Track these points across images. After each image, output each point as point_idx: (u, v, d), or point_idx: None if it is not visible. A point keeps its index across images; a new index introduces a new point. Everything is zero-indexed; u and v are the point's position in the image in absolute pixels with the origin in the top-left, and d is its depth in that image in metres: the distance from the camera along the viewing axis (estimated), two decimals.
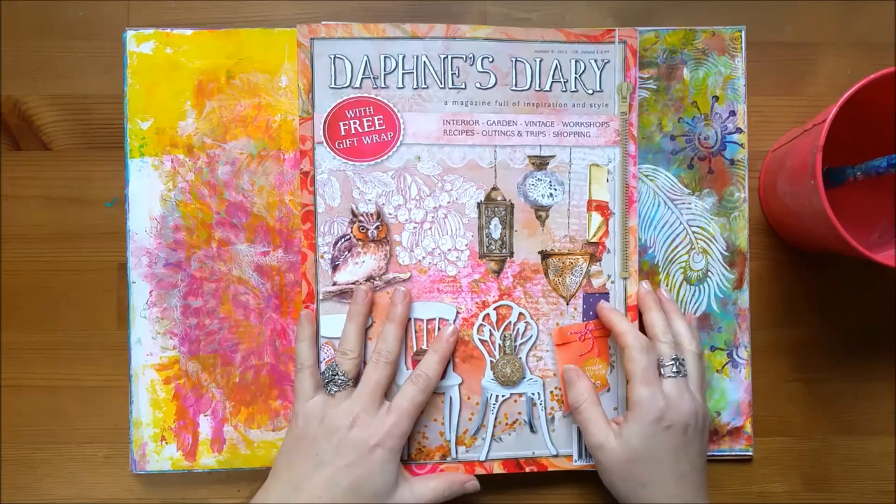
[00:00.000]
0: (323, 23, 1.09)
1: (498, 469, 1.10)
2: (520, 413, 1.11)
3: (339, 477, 0.98)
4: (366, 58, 1.09)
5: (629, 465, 0.99)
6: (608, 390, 1.11)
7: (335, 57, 1.09)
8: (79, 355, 1.14)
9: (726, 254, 1.14)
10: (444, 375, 1.09)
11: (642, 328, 1.08)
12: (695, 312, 1.14)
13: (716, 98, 1.13)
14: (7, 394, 1.14)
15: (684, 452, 0.99)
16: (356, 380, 1.04)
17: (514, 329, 1.11)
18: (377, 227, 1.09)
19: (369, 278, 1.09)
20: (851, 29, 1.16)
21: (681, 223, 1.13)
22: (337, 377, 1.03)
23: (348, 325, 1.07)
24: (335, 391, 1.02)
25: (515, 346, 1.11)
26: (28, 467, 1.14)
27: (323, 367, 1.07)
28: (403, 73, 1.10)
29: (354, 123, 1.09)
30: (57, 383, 1.14)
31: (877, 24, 1.16)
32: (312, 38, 1.09)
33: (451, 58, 1.10)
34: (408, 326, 1.10)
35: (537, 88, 1.10)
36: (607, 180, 1.11)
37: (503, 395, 1.11)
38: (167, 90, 1.11)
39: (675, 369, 1.01)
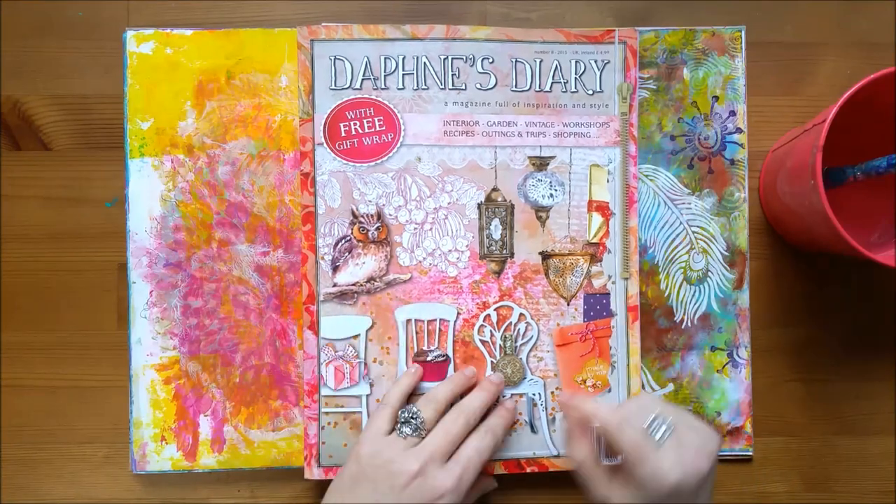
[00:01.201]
0: (323, 24, 1.09)
1: (499, 469, 1.11)
2: (521, 413, 1.11)
3: None
4: (366, 59, 1.09)
5: None
6: (609, 391, 1.11)
7: (335, 58, 1.09)
8: (79, 355, 1.14)
9: (726, 254, 1.14)
10: (445, 376, 1.10)
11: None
12: (695, 312, 1.14)
13: (716, 98, 1.13)
14: (7, 394, 1.14)
15: (697, 499, 0.93)
16: (427, 431, 1.02)
17: (514, 330, 1.11)
18: (377, 229, 1.10)
19: (370, 279, 1.09)
20: (851, 29, 1.16)
21: (681, 223, 1.13)
22: (414, 421, 1.01)
23: (447, 385, 1.06)
24: (407, 434, 1.00)
25: (516, 347, 1.11)
26: (28, 467, 1.14)
27: (403, 409, 1.04)
28: (404, 74, 1.10)
29: (355, 124, 1.09)
30: (57, 383, 1.14)
31: (877, 24, 1.16)
32: (313, 40, 1.09)
33: (452, 59, 1.10)
34: (408, 327, 1.10)
35: (537, 89, 1.10)
36: (608, 181, 1.11)
37: (504, 396, 1.11)
38: (167, 90, 1.12)
39: (662, 427, 0.93)
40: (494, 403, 1.09)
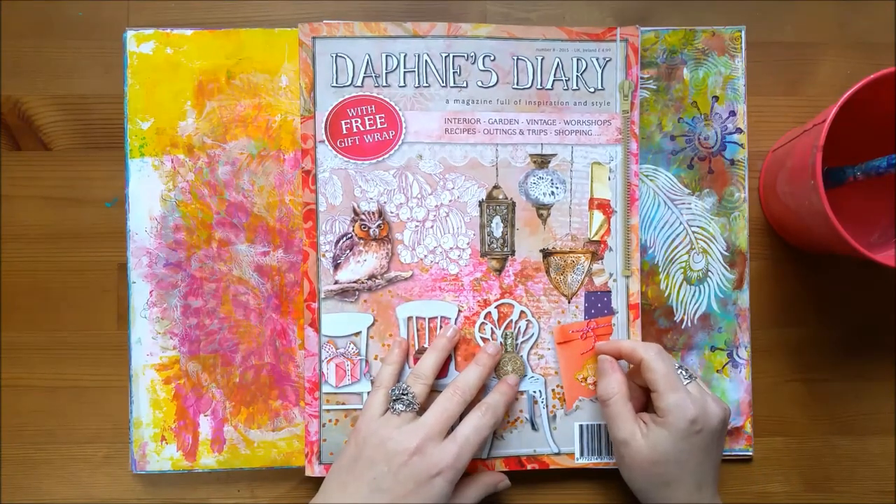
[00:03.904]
0: (325, 21, 1.09)
1: (500, 467, 1.11)
2: (521, 411, 1.11)
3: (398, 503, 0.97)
4: (367, 56, 1.10)
5: (654, 465, 0.99)
6: None
7: (337, 56, 1.09)
8: (79, 355, 1.14)
9: (726, 254, 1.14)
10: (446, 374, 1.10)
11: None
12: (695, 312, 1.14)
13: (716, 98, 1.13)
14: (7, 394, 1.14)
15: (708, 454, 1.00)
16: (422, 406, 1.03)
17: (515, 327, 1.11)
18: (379, 226, 1.10)
19: (371, 277, 1.09)
20: (851, 29, 1.17)
21: (681, 223, 1.13)
22: (406, 397, 1.02)
23: (431, 354, 1.07)
24: (401, 411, 1.01)
25: (517, 345, 1.11)
26: (28, 467, 1.14)
27: (394, 387, 1.05)
28: (405, 72, 1.10)
29: (356, 122, 1.09)
30: (57, 383, 1.14)
31: (877, 24, 1.17)
32: (314, 37, 1.09)
33: (453, 56, 1.10)
34: (409, 324, 1.10)
35: (539, 87, 1.10)
36: (609, 178, 1.11)
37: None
38: (167, 90, 1.12)
39: (687, 375, 1.03)
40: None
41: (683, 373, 1.03)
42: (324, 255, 1.10)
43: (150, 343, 1.11)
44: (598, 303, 1.11)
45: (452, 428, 1.02)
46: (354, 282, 1.10)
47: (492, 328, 1.11)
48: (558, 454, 1.11)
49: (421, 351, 1.10)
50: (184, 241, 1.12)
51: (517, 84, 1.10)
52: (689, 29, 1.13)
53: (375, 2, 1.15)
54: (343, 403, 1.10)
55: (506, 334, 1.11)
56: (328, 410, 1.10)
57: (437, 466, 0.97)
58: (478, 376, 1.05)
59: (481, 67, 1.10)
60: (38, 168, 1.14)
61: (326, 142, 1.09)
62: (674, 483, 0.99)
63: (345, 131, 1.09)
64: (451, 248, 1.10)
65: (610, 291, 1.11)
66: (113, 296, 1.14)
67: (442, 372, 1.09)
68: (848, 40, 1.17)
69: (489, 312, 1.11)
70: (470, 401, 1.04)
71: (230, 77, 1.12)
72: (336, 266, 1.10)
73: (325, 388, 1.10)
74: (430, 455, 0.97)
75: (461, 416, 1.03)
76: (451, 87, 1.10)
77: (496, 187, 1.11)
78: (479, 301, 1.11)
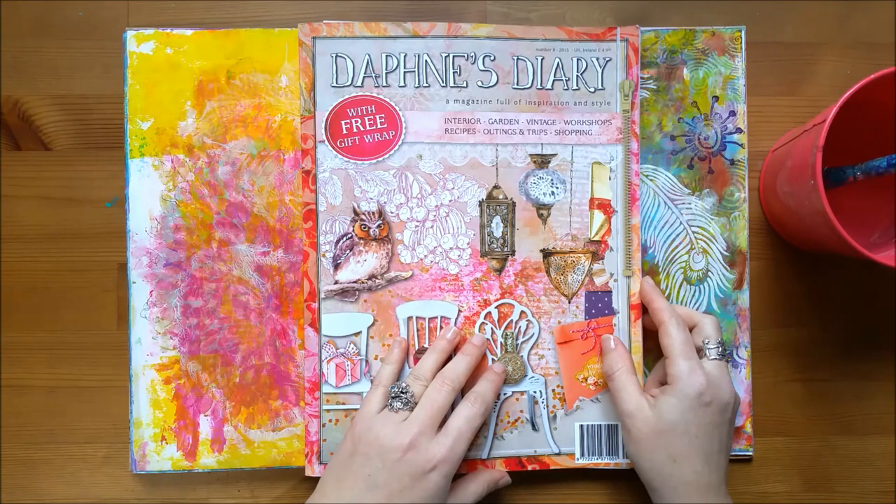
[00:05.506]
0: (325, 21, 1.09)
1: (500, 467, 1.11)
2: (521, 411, 1.11)
3: (393, 500, 0.96)
4: (367, 56, 1.10)
5: (661, 436, 0.99)
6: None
7: (337, 56, 1.09)
8: (79, 355, 1.14)
9: (726, 254, 1.14)
10: None
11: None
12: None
13: (716, 98, 1.13)
14: (7, 394, 1.14)
15: (718, 431, 1.00)
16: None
17: (515, 327, 1.11)
18: (379, 226, 1.10)
19: (371, 277, 1.09)
20: (851, 29, 1.17)
21: (681, 223, 1.13)
22: (404, 395, 1.02)
23: (431, 355, 1.07)
24: (399, 408, 1.01)
25: (517, 345, 1.11)
26: (28, 467, 1.14)
27: (393, 385, 1.05)
28: (405, 72, 1.10)
29: (356, 122, 1.09)
30: (57, 383, 1.14)
31: (877, 24, 1.16)
32: (314, 37, 1.09)
33: (453, 56, 1.10)
34: (409, 325, 1.11)
35: (539, 87, 1.10)
36: (609, 178, 1.11)
37: (505, 393, 1.11)
38: (167, 90, 1.11)
39: (720, 351, 1.03)
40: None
41: (718, 349, 1.04)
42: (324, 255, 1.10)
43: (150, 343, 1.11)
44: (599, 303, 1.11)
45: (446, 418, 1.02)
46: (354, 282, 1.10)
47: (492, 328, 1.11)
48: (559, 454, 1.11)
49: (421, 351, 1.10)
50: (184, 241, 1.11)
51: (517, 84, 1.10)
52: (689, 29, 1.13)
53: (375, 2, 1.15)
54: (343, 403, 1.10)
55: (506, 334, 1.11)
56: (328, 410, 1.10)
57: (432, 461, 0.97)
58: (465, 366, 1.06)
59: (481, 67, 1.10)
60: (38, 168, 1.14)
61: (326, 142, 1.09)
62: (681, 459, 0.98)
63: (345, 131, 1.09)
64: (451, 248, 1.10)
65: (610, 291, 1.11)
66: (113, 296, 1.14)
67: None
68: (848, 40, 1.17)
69: (489, 312, 1.11)
70: (459, 390, 1.04)
71: (230, 77, 1.12)
72: (336, 266, 1.10)
73: (325, 388, 1.10)
74: (423, 450, 0.97)
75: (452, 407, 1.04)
76: (451, 87, 1.10)
77: (496, 187, 1.11)
78: (479, 301, 1.11)
